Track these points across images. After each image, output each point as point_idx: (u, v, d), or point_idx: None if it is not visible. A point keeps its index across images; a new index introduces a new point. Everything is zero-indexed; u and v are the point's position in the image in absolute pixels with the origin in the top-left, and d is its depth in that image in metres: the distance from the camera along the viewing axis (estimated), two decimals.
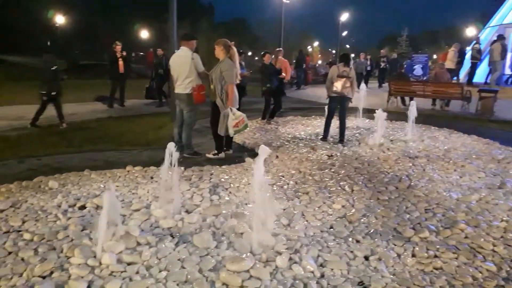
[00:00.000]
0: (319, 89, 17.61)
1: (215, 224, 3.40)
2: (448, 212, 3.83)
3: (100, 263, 2.71)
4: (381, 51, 22.01)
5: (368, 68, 19.77)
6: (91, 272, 2.61)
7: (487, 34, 18.89)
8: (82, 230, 3.24)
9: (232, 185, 4.51)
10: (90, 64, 27.72)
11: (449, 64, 15.15)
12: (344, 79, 6.89)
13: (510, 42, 17.76)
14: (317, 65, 30.71)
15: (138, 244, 3.01)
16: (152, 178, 4.71)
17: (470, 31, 30.00)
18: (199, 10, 48.11)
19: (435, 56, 17.91)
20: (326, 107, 7.51)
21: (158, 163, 3.96)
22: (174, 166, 3.56)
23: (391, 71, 18.18)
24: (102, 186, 4.40)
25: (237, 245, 3.01)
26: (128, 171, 4.98)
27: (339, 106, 7.19)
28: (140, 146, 6.59)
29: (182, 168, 5.00)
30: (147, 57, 25.89)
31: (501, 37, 15.19)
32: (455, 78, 15.48)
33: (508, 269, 2.83)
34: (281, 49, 10.49)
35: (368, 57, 20.54)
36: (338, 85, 6.90)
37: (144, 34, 42.06)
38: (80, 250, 2.80)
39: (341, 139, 7.08)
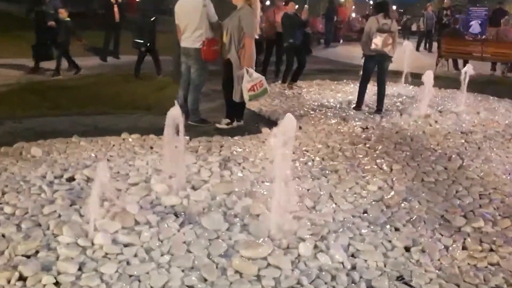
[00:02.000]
0: (353, 47, 17.34)
1: (227, 204, 3.44)
2: (508, 198, 3.81)
3: (93, 243, 2.77)
4: (445, 1, 20.75)
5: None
6: (82, 253, 2.68)
7: None
8: (71, 205, 3.30)
9: (246, 159, 4.52)
10: (78, 13, 27.65)
11: None
12: (385, 34, 6.74)
13: None
14: (350, 18, 30.05)
15: (137, 223, 3.07)
16: (152, 148, 4.76)
17: None
18: None
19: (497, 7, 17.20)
20: (361, 68, 7.38)
21: (159, 130, 3.97)
22: (178, 134, 3.57)
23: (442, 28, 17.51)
24: (93, 155, 4.46)
25: (252, 228, 3.05)
26: (124, 139, 5.02)
27: (378, 67, 7.08)
28: (138, 110, 6.63)
29: (187, 137, 5.01)
30: None
31: None
32: None
33: None
34: None
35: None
36: (378, 42, 6.74)
37: None
38: (69, 228, 2.87)
39: (379, 108, 7.00)
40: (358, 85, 7.34)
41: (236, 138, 5.30)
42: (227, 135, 5.40)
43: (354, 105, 7.26)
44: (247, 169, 4.25)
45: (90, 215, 2.90)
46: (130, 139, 5.02)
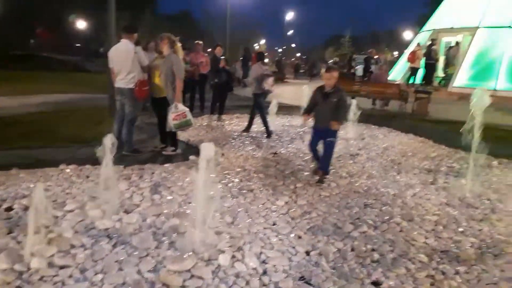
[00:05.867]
0: None
1: (156, 224, 3.34)
2: (385, 207, 4.06)
3: (29, 268, 2.55)
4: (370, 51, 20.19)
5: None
6: (19, 278, 2.46)
7: (423, 38, 20.19)
8: (8, 234, 3.02)
9: (175, 183, 4.44)
10: (24, 55, 25.97)
11: (418, 63, 16.19)
12: (272, 77, 7.63)
13: (442, 46, 19.17)
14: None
15: (72, 246, 2.88)
16: (88, 177, 4.51)
17: (407, 35, 31.94)
18: (141, 1, 46.56)
19: (376, 57, 18.74)
20: (255, 104, 7.71)
21: (95, 161, 3.78)
22: (112, 163, 3.44)
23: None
24: (31, 186, 4.13)
25: (178, 245, 2.98)
26: (62, 170, 4.72)
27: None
28: (75, 142, 6.26)
29: (121, 166, 4.84)
30: None
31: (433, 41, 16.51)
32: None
33: (438, 259, 3.05)
34: (200, 42, 10.38)
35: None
36: (270, 83, 7.47)
37: (81, 24, 39.90)
38: (6, 255, 2.62)
39: (268, 133, 7.49)
40: (262, 118, 7.67)
41: (166, 165, 5.19)
42: (158, 162, 5.28)
43: (266, 135, 7.46)
44: (175, 193, 4.17)
45: (27, 241, 2.67)
46: (68, 170, 4.73)
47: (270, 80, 7.50)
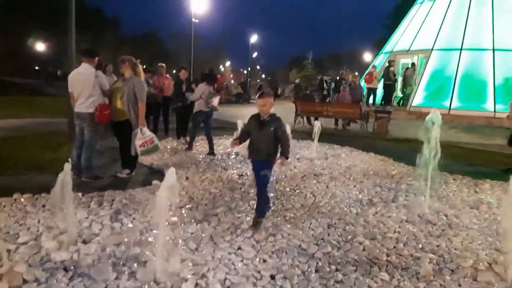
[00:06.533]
0: (232, 108, 17.95)
1: (116, 254, 3.22)
2: (349, 226, 4.12)
3: None
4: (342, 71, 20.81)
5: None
6: None
7: (381, 60, 21.09)
8: None
9: (136, 210, 4.32)
10: None
11: (375, 83, 16.86)
12: (218, 96, 8.11)
13: (400, 67, 20.09)
14: (228, 85, 31.31)
15: (25, 281, 2.73)
16: (44, 206, 4.31)
17: (367, 56, 33.32)
18: (103, 22, 46.12)
19: (337, 78, 19.45)
20: (194, 123, 8.16)
21: (52, 189, 3.63)
22: (70, 191, 3.31)
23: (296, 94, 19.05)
24: None
25: (139, 275, 2.89)
26: (16, 200, 4.49)
27: (205, 119, 7.98)
28: (31, 169, 6.00)
29: (80, 194, 4.67)
30: None
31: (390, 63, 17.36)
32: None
33: (399, 277, 3.11)
34: (163, 64, 10.42)
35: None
36: (215, 101, 7.90)
37: (40, 47, 38.90)
38: None
39: (211, 151, 7.75)
40: (206, 136, 7.95)
41: (128, 191, 5.05)
42: (120, 188, 5.13)
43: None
44: (137, 220, 4.05)
45: None
46: (22, 199, 4.50)
47: (216, 99, 7.91)
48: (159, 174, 5.95)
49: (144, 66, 5.92)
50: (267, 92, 4.12)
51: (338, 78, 18.58)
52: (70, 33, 8.36)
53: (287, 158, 4.00)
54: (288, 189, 5.43)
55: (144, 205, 4.49)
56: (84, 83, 5.50)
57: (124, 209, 4.33)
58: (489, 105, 16.09)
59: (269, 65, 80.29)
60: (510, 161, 7.97)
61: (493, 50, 16.89)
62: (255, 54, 53.42)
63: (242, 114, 17.83)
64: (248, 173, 6.25)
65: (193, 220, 4.13)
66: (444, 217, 4.48)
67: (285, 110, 18.58)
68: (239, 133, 4.44)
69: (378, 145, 9.64)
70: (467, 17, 17.81)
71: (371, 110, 12.90)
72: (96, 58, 5.75)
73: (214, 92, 8.13)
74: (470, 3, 18.03)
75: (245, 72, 50.79)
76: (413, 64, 18.81)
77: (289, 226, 4.06)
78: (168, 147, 8.45)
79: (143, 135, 5.48)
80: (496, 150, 9.43)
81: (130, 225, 3.91)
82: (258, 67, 72.82)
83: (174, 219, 4.05)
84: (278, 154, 3.99)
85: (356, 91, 14.71)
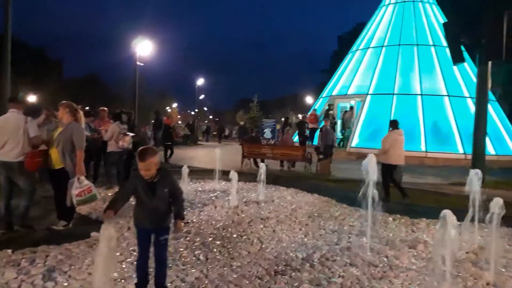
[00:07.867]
0: (178, 150, 17.71)
1: None
2: (295, 273, 4.09)
3: None
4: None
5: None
6: None
7: (321, 103, 22.14)
8: None
9: (73, 266, 4.01)
10: None
11: (317, 124, 17.92)
12: (129, 135, 8.53)
13: (339, 110, 21.22)
14: (175, 126, 31.10)
15: None
16: None
17: (308, 99, 35.03)
18: (44, 65, 44.61)
19: (283, 119, 20.20)
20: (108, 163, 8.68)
21: None
22: None
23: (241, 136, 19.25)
24: None
25: None
26: None
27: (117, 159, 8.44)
28: None
29: (9, 251, 4.28)
30: None
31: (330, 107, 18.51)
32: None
33: None
34: (105, 108, 10.24)
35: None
36: (127, 140, 8.31)
37: None
38: None
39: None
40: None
41: (64, 245, 4.69)
42: (54, 243, 4.76)
43: None
44: (72, 278, 3.76)
45: None
46: None
47: (127, 138, 8.29)
48: (98, 225, 5.62)
49: (87, 108, 5.77)
50: (150, 151, 3.27)
51: (300, 121, 19.22)
52: (5, 75, 7.97)
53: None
54: (235, 235, 5.35)
55: (82, 260, 4.19)
56: (13, 130, 5.20)
57: (59, 265, 4.00)
58: (421, 145, 17.28)
59: (216, 107, 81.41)
60: (443, 199, 8.52)
61: (421, 95, 18.43)
62: (202, 96, 54.06)
63: (188, 157, 17.70)
64: (194, 220, 6.11)
65: (134, 275, 3.89)
66: (385, 259, 4.60)
67: (232, 151, 18.80)
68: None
69: (322, 186, 9.89)
70: (397, 65, 19.43)
71: (313, 151, 13.26)
72: (23, 104, 5.57)
73: (125, 132, 8.55)
74: (399, 52, 19.74)
75: (193, 113, 50.97)
76: (351, 107, 19.94)
77: (235, 276, 3.95)
78: (109, 194, 8.06)
79: (80, 184, 5.24)
80: (429, 189, 10.06)
81: (65, 284, 3.61)
82: (205, 108, 73.39)
83: (114, 274, 3.80)
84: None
85: (328, 136, 12.71)
